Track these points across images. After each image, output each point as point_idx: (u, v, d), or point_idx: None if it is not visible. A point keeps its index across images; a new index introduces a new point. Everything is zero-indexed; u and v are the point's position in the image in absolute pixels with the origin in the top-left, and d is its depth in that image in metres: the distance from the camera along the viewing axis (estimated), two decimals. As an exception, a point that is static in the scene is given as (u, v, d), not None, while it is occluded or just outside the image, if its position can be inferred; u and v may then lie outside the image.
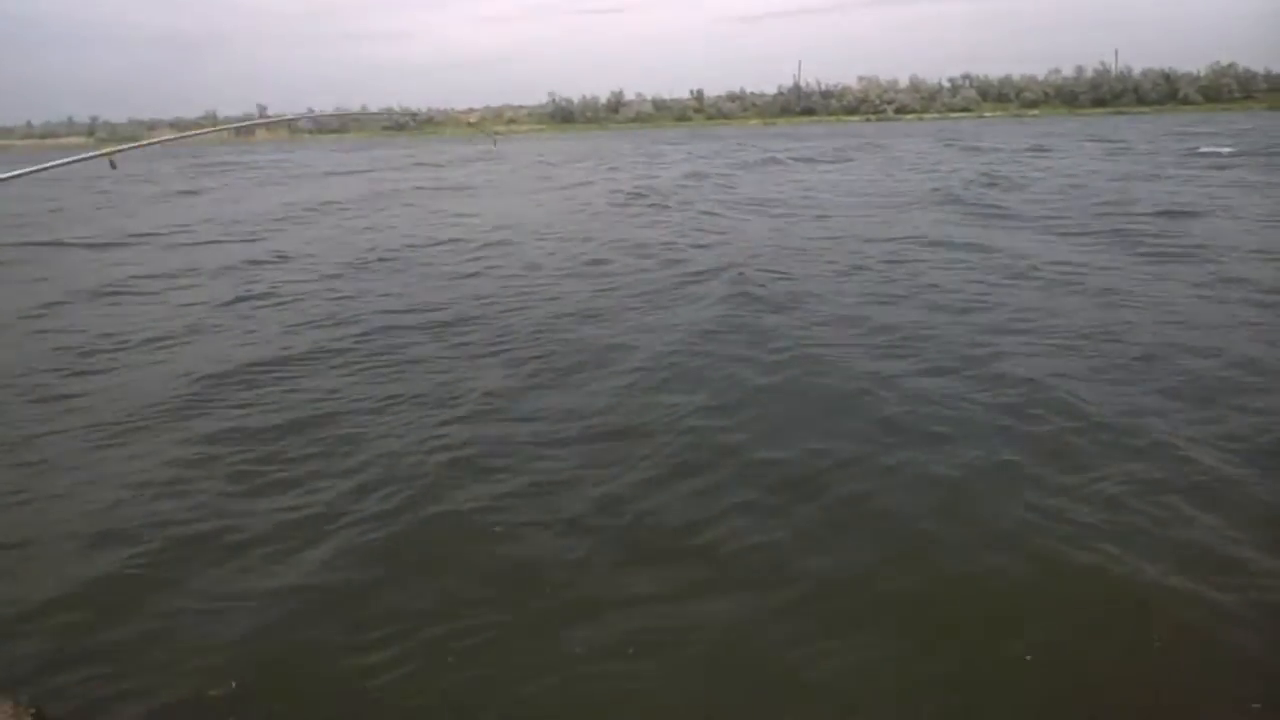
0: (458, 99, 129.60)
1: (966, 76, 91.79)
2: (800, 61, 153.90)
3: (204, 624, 3.22)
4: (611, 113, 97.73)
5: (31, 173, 4.51)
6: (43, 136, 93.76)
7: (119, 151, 4.39)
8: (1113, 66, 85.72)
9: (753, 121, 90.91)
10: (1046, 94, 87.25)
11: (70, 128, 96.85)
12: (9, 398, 5.90)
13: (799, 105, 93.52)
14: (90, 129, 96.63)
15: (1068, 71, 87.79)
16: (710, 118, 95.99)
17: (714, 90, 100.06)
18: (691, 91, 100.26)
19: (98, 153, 4.37)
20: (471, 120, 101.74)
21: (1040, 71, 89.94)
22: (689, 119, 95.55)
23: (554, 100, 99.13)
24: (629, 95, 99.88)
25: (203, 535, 3.91)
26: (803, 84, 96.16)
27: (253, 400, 5.70)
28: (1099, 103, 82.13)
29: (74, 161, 4.69)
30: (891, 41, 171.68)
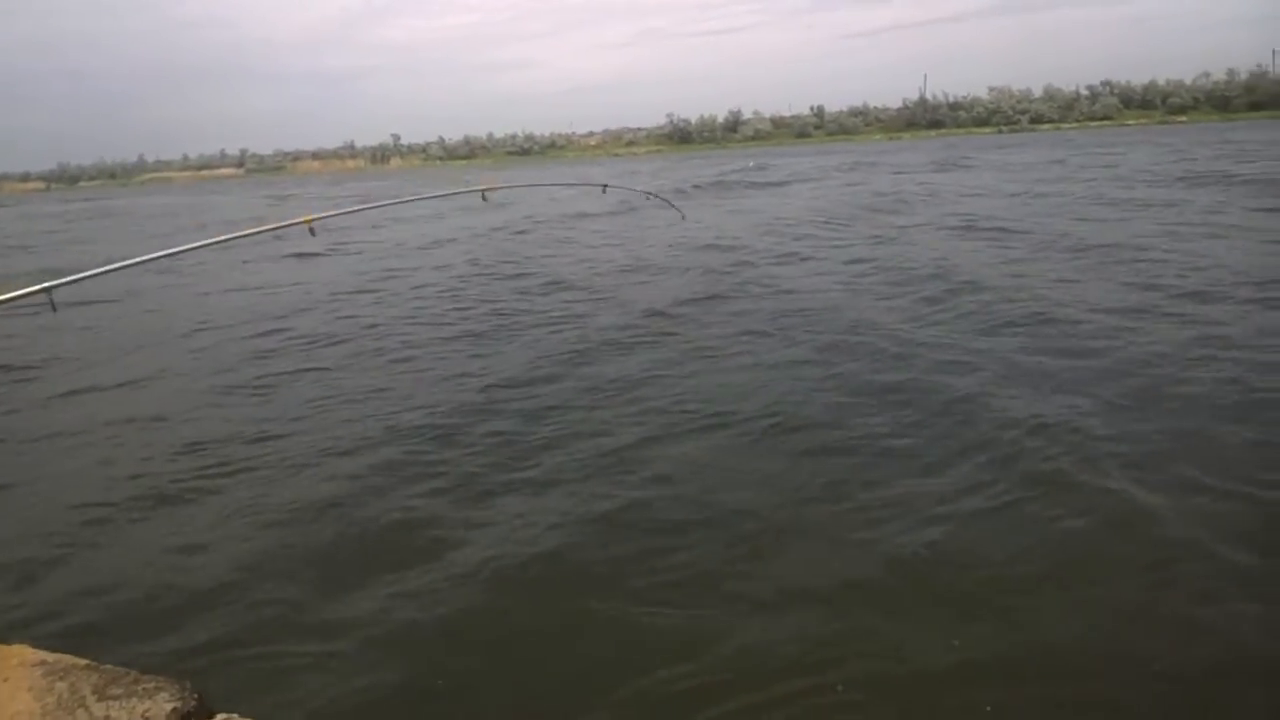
0: (579, 123, 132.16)
1: (1107, 83, 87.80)
2: (926, 74, 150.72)
3: (380, 625, 3.22)
4: (729, 132, 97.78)
5: (238, 238, 4.80)
6: (199, 168, 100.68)
7: (318, 220, 4.64)
8: (1270, 67, 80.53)
9: (876, 136, 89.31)
10: (1195, 99, 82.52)
11: (223, 160, 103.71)
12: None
13: (925, 118, 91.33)
14: (240, 160, 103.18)
15: (1218, 75, 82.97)
16: (831, 134, 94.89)
17: (834, 106, 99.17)
18: (811, 108, 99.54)
19: (297, 220, 4.62)
20: (593, 143, 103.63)
21: (1188, 76, 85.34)
22: (809, 136, 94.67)
23: (672, 121, 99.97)
24: (746, 114, 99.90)
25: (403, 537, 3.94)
26: (929, 96, 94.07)
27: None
28: (1255, 107, 77.09)
29: (278, 229, 4.88)
30: (1024, 51, 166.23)
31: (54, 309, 3.21)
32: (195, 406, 6.22)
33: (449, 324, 8.64)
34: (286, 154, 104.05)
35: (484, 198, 6.32)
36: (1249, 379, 5.36)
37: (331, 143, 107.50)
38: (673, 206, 9.28)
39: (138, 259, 3.86)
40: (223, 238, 4.54)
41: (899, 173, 29.27)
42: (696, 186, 27.23)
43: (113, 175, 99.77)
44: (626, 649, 2.99)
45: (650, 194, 9.06)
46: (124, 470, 4.96)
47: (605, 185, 7.74)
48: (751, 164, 40.31)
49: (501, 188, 8.06)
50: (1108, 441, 4.49)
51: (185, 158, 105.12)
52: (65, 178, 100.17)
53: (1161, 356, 5.92)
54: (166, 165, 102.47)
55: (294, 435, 5.39)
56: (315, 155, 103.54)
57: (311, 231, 4.52)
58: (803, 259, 11.55)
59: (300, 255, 14.77)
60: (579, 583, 3.44)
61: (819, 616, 3.12)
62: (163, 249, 4.17)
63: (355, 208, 6.51)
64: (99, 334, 9.04)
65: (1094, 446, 4.42)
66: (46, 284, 3.17)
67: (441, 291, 10.60)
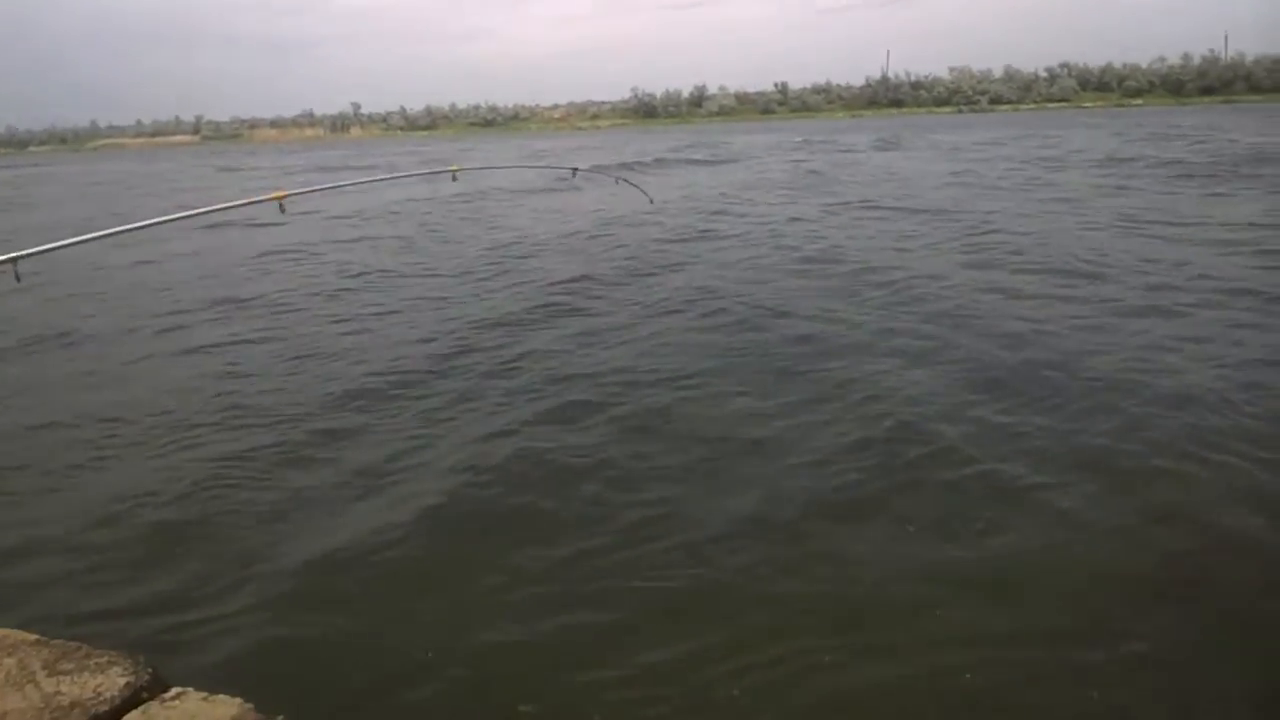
0: (544, 95, 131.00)
1: (1065, 65, 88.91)
2: (889, 52, 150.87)
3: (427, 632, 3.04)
4: (694, 107, 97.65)
5: (206, 213, 4.77)
6: (153, 135, 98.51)
7: (289, 196, 4.54)
8: (1223, 53, 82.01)
9: (839, 114, 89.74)
10: (1151, 83, 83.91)
11: (178, 126, 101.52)
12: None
13: (887, 97, 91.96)
14: (196, 127, 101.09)
15: (1173, 59, 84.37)
16: (794, 110, 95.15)
17: (798, 83, 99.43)
18: (775, 84, 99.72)
19: (267, 196, 4.55)
20: (557, 115, 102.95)
21: (1144, 60, 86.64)
22: (773, 112, 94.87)
23: (636, 95, 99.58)
24: (711, 89, 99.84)
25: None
26: (891, 75, 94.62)
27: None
28: (1207, 91, 78.60)
29: (247, 204, 4.90)
30: (985, 32, 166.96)
31: (18, 279, 3.16)
32: (134, 370, 6.38)
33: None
34: (244, 121, 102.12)
35: (454, 178, 6.52)
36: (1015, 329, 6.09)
37: (290, 111, 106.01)
38: (639, 189, 9.20)
39: (104, 232, 3.77)
40: (192, 212, 4.55)
41: (843, 151, 29.70)
42: (640, 163, 27.39)
43: (63, 140, 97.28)
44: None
45: (622, 179, 9.12)
46: (62, 436, 4.97)
47: (575, 169, 7.85)
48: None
49: (473, 169, 8.15)
50: (917, 385, 5.05)
51: (139, 123, 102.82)
52: (14, 143, 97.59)
53: (951, 308, 6.61)
54: (120, 131, 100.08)
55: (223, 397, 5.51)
56: (273, 123, 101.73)
57: (281, 209, 4.54)
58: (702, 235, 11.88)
59: (260, 226, 14.79)
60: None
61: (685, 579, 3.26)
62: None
63: (327, 185, 6.64)
64: (61, 302, 9.05)
65: (916, 392, 5.00)
66: (12, 255, 3.16)
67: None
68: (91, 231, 3.86)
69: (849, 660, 2.74)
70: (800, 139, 40.06)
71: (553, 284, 8.66)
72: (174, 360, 6.63)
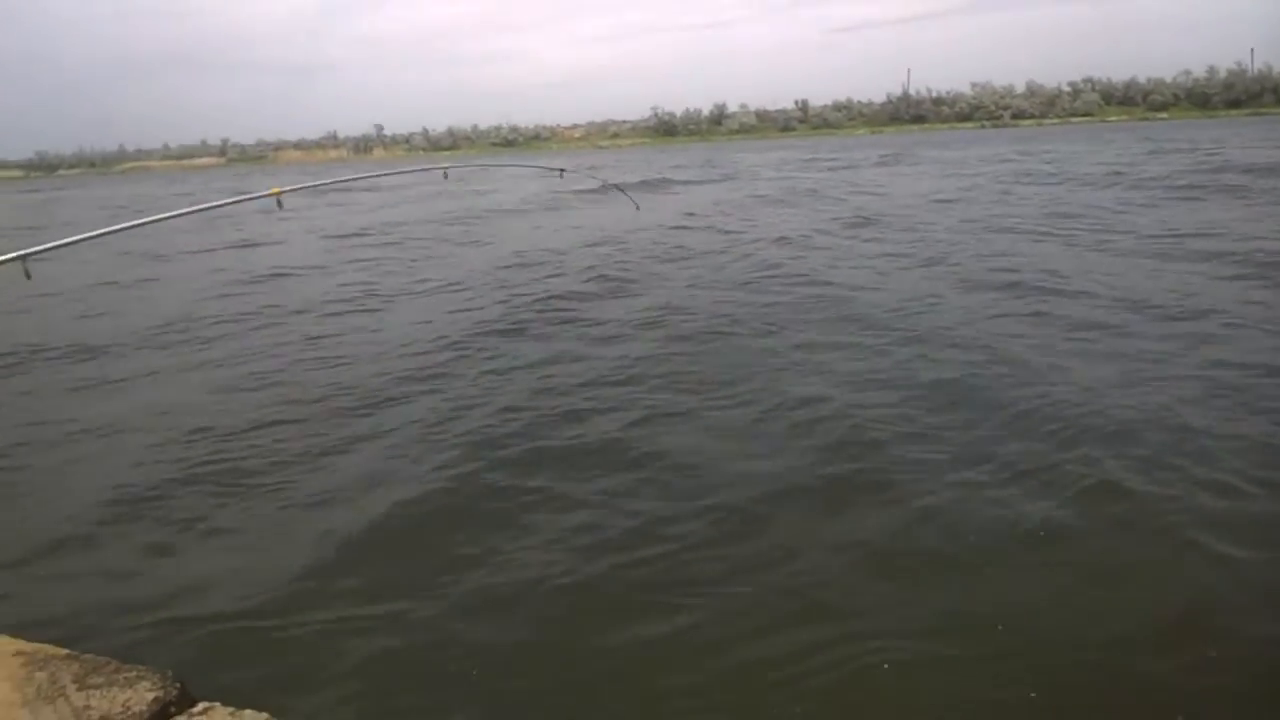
0: (565, 116, 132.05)
1: (1088, 80, 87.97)
2: (909, 69, 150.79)
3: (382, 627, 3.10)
4: (715, 125, 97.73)
5: (207, 209, 4.81)
6: (180, 158, 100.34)
7: (286, 192, 4.60)
8: (1249, 66, 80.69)
9: (860, 130, 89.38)
10: (1176, 96, 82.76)
11: (204, 149, 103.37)
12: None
13: (909, 113, 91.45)
14: (222, 149, 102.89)
15: (1199, 72, 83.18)
16: (815, 128, 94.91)
17: (819, 100, 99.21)
18: (796, 102, 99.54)
19: (265, 192, 4.58)
20: (577, 135, 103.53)
21: (1169, 73, 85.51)
22: (793, 129, 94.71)
23: (656, 114, 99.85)
24: (732, 107, 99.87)
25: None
26: (912, 91, 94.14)
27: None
28: (1234, 104, 77.36)
29: (245, 200, 4.92)
30: (1006, 48, 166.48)
31: (28, 277, 3.20)
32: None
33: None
34: (268, 144, 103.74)
35: (445, 175, 6.62)
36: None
37: (314, 133, 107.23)
38: (627, 196, 9.45)
39: (109, 229, 3.88)
40: (194, 208, 4.60)
41: (846, 168, 29.44)
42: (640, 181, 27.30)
43: (92, 164, 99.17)
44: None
45: (609, 184, 9.18)
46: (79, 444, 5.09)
47: (562, 170, 7.89)
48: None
49: (460, 166, 8.36)
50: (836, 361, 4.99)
51: (166, 147, 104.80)
52: (44, 166, 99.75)
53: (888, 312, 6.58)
54: (147, 155, 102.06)
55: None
56: (297, 145, 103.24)
57: (279, 204, 4.58)
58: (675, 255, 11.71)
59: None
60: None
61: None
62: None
63: (319, 182, 6.76)
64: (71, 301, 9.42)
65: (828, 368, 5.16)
66: (21, 252, 3.17)
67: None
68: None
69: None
70: (808, 157, 39.82)
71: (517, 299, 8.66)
72: (189, 369, 6.70)
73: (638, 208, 10.13)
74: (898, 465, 4.11)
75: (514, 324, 7.58)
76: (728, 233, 13.32)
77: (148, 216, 4.19)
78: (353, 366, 6.51)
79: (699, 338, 6.77)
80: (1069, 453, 4.11)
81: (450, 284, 9.91)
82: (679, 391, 5.42)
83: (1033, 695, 2.52)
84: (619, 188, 9.40)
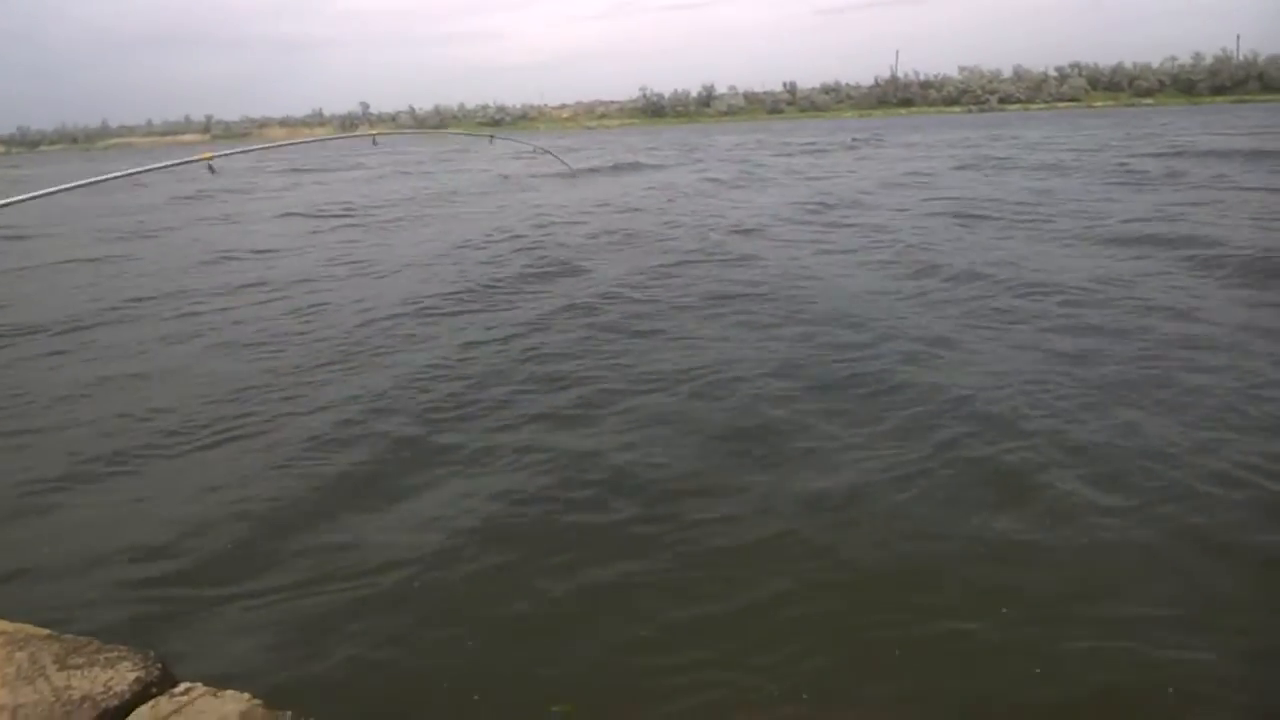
0: (553, 95, 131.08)
1: (1075, 65, 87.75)
2: (898, 51, 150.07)
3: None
4: (703, 106, 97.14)
5: (138, 173, 4.81)
6: (163, 134, 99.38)
7: (218, 156, 4.56)
8: (1235, 53, 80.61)
9: (847, 113, 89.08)
10: (1161, 82, 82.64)
11: (188, 125, 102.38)
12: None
13: (896, 96, 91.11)
14: (206, 126, 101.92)
15: (1185, 59, 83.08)
16: (803, 110, 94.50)
17: (807, 83, 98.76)
18: (784, 84, 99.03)
19: (196, 157, 4.55)
20: (565, 115, 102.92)
21: (1155, 59, 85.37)
22: (781, 112, 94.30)
23: (644, 95, 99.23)
24: (720, 89, 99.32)
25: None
26: (901, 75, 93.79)
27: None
28: (1219, 90, 77.34)
29: (172, 165, 4.96)
30: (996, 31, 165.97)
31: None
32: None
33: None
34: (253, 120, 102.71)
35: (374, 141, 6.71)
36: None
37: (300, 110, 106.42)
38: (563, 163, 9.75)
39: (50, 190, 4.02)
40: (127, 171, 4.64)
41: (816, 151, 29.50)
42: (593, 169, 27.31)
43: (74, 140, 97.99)
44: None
45: (542, 149, 9.36)
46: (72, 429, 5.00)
47: (492, 136, 8.06)
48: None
49: (389, 134, 8.43)
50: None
51: (149, 123, 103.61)
52: (25, 142, 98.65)
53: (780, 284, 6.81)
54: (130, 130, 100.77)
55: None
56: (283, 123, 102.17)
57: (211, 169, 4.57)
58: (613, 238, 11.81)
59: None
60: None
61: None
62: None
63: (249, 147, 6.83)
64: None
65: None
66: None
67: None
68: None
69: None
70: (784, 140, 39.81)
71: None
72: (189, 353, 6.49)
73: (573, 171, 10.52)
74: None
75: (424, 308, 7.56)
76: (663, 214, 13.42)
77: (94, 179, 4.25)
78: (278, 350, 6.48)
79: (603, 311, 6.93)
80: (938, 432, 4.34)
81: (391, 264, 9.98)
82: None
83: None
84: (551, 152, 9.55)
